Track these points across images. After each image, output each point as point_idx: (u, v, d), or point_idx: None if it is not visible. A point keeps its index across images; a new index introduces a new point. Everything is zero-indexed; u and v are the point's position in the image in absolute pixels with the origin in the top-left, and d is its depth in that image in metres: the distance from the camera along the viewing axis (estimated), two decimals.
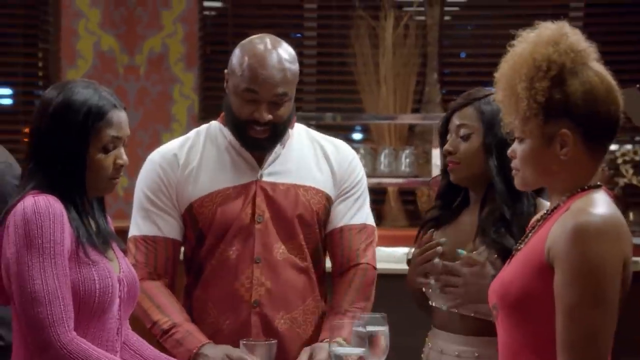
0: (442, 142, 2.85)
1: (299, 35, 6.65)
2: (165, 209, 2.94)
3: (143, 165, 3.01)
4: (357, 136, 6.58)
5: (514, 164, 2.23)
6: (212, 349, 2.77)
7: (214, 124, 3.02)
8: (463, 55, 6.70)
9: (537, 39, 2.16)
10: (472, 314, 2.72)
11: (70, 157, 2.43)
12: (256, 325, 2.89)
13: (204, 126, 3.04)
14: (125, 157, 2.49)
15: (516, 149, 2.22)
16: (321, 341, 2.85)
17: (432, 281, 2.75)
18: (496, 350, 2.28)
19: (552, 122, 2.13)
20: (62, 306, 2.33)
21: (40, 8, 6.50)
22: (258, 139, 2.88)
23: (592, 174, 2.17)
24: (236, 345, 2.77)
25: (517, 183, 2.24)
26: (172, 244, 2.95)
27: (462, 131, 2.78)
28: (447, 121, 2.83)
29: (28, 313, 2.33)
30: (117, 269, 2.49)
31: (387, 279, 3.11)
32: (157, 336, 2.82)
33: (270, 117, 2.84)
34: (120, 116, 2.48)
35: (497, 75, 2.22)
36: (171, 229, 2.95)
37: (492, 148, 2.73)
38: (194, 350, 2.77)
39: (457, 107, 2.81)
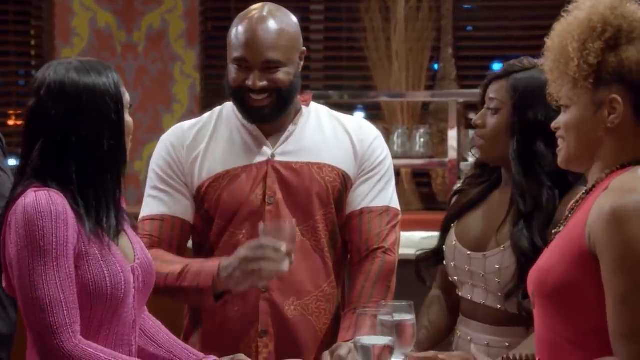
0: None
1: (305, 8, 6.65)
2: (176, 186, 2.96)
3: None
4: (368, 115, 6.55)
5: (559, 135, 2.22)
6: (227, 260, 2.76)
7: (228, 104, 3.04)
8: (470, 28, 6.68)
9: (593, 5, 2.16)
10: (498, 306, 2.72)
11: (115, 128, 2.43)
12: (265, 312, 2.89)
13: (219, 107, 3.06)
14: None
15: (561, 120, 2.21)
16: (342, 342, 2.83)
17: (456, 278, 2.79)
18: None
19: (603, 87, 2.12)
20: (65, 311, 2.33)
21: None
22: (258, 108, 2.89)
23: (638, 150, 2.15)
24: (244, 332, 2.83)
25: (560, 158, 2.23)
26: (181, 224, 2.95)
27: (492, 105, 2.76)
28: (485, 90, 2.81)
29: (31, 319, 2.34)
30: (131, 256, 2.49)
31: (403, 264, 3.09)
32: (174, 283, 2.80)
33: (264, 83, 2.86)
34: None
35: (547, 41, 2.21)
36: (180, 207, 2.95)
37: (515, 129, 2.70)
38: (216, 269, 2.76)
39: (493, 78, 2.79)
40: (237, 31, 2.90)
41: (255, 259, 2.68)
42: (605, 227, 2.02)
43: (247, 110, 2.91)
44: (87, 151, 2.41)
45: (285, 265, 2.68)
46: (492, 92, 2.77)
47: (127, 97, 2.49)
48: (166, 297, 2.85)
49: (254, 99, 2.88)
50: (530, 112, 2.68)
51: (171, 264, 2.85)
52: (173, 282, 2.81)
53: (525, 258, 2.60)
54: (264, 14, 2.90)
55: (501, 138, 2.73)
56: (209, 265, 2.80)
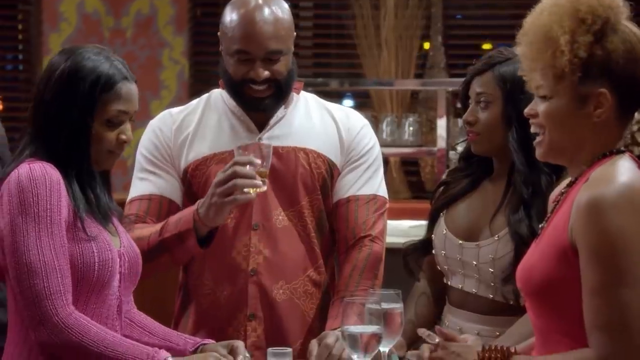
0: (464, 108, 2.83)
1: None
2: (164, 167, 2.97)
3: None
4: (357, 103, 6.54)
5: (537, 124, 2.17)
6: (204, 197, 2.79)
7: (216, 91, 3.05)
8: (459, 16, 6.66)
9: None
10: (490, 296, 2.74)
11: (74, 127, 2.42)
12: (253, 295, 2.91)
13: (207, 94, 3.07)
14: (130, 133, 2.48)
15: (538, 108, 2.15)
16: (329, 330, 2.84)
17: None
18: None
19: (589, 81, 2.09)
20: (59, 278, 2.32)
21: None
22: (258, 99, 2.90)
23: (619, 141, 2.13)
24: (233, 316, 2.84)
25: (541, 150, 2.18)
26: (168, 204, 2.96)
27: (482, 99, 2.75)
28: (467, 87, 2.80)
29: (23, 285, 2.33)
30: (117, 244, 2.49)
31: (391, 253, 3.08)
32: (156, 239, 2.81)
33: (266, 73, 2.86)
34: (130, 89, 2.48)
35: (525, 25, 2.15)
36: (167, 186, 2.96)
37: (512, 120, 2.70)
38: (194, 208, 2.78)
39: (476, 72, 2.77)
40: (234, 22, 2.87)
41: (228, 178, 2.70)
42: (583, 218, 2.00)
43: (248, 101, 2.92)
44: (52, 140, 2.42)
45: (260, 184, 2.69)
46: (478, 86, 2.76)
47: (132, 105, 2.48)
48: (152, 272, 2.79)
49: (255, 90, 2.88)
50: (524, 100, 2.62)
51: (152, 226, 2.86)
52: (155, 239, 2.82)
53: (524, 244, 2.55)
54: (260, 2, 2.88)
55: (496, 130, 2.74)
56: (187, 210, 2.82)
